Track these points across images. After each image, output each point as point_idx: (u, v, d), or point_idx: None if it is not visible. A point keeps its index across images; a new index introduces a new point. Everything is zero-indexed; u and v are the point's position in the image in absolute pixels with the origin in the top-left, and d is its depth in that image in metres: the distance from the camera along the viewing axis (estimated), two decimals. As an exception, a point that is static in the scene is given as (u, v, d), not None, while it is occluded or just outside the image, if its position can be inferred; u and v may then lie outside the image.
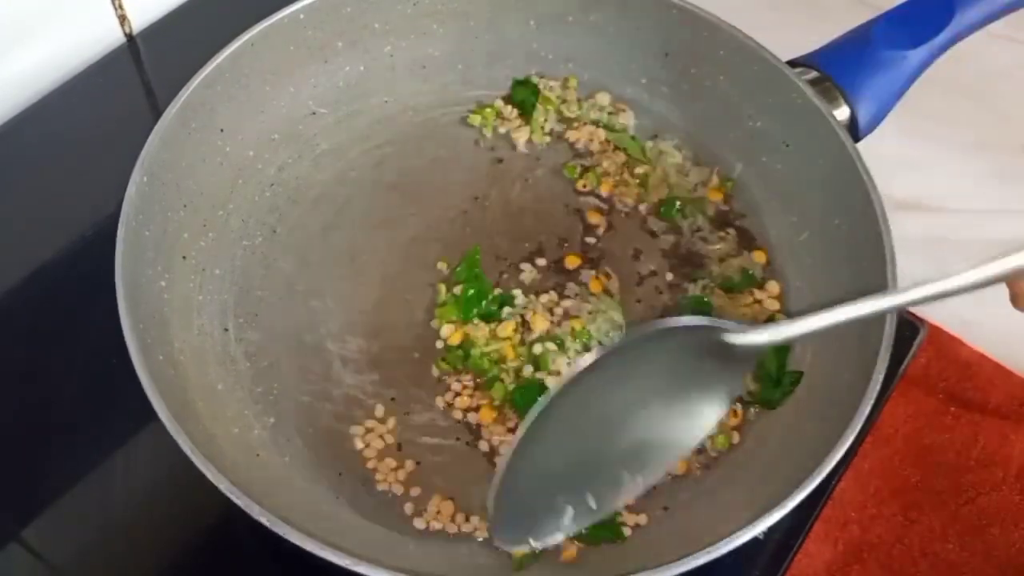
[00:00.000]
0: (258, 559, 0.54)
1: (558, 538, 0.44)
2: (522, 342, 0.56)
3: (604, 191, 0.63)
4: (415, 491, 0.52)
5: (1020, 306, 0.43)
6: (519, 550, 0.48)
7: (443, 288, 0.58)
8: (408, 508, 0.52)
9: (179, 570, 0.53)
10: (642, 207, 0.62)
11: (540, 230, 0.62)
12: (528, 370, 0.55)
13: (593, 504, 0.44)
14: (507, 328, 0.56)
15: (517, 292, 0.58)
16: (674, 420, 0.43)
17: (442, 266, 0.60)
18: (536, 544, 0.44)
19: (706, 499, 0.52)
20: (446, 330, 0.57)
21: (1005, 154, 0.73)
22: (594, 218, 0.62)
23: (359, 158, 0.64)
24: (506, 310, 0.57)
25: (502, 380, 0.55)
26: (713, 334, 0.41)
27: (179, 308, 0.55)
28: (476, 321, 0.57)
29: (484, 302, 0.57)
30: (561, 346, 0.56)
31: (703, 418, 0.43)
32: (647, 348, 0.42)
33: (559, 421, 0.41)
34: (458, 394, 0.55)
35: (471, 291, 0.57)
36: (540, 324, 0.57)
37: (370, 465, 0.53)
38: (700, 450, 0.53)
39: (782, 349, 0.56)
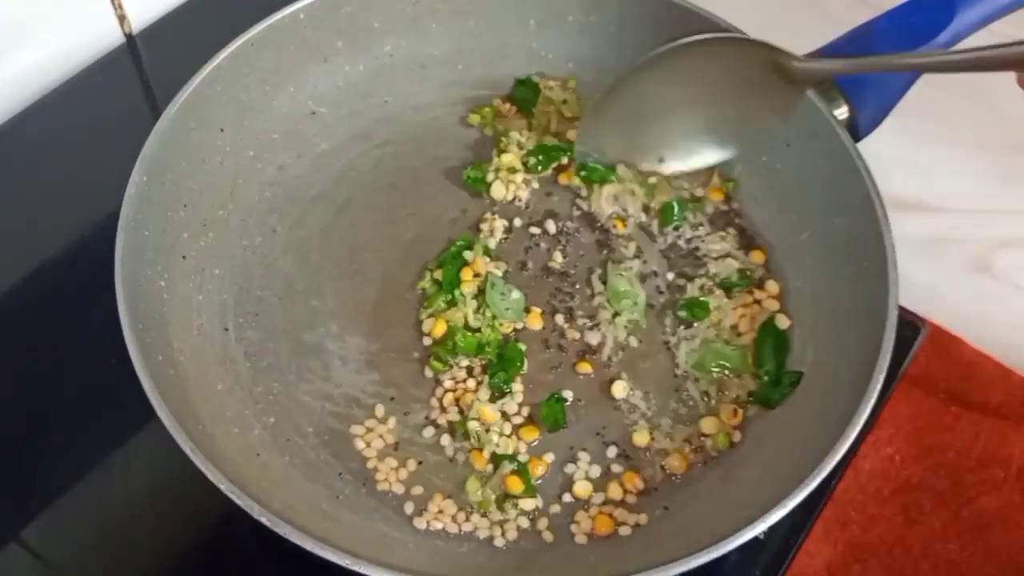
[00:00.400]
0: (258, 559, 0.54)
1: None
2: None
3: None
4: (415, 491, 0.52)
5: None
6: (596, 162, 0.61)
7: (427, 275, 0.59)
8: (408, 508, 0.52)
9: (179, 570, 0.53)
10: (643, 215, 0.62)
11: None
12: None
13: (662, 159, 0.59)
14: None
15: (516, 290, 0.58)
16: (730, 114, 0.55)
17: (442, 266, 0.60)
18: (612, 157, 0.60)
19: (706, 499, 0.52)
20: (428, 324, 0.57)
21: (1005, 154, 0.73)
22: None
23: (359, 158, 0.64)
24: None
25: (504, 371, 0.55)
26: (777, 53, 0.50)
27: (179, 308, 0.55)
28: (459, 304, 0.57)
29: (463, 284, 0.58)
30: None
31: (756, 120, 0.55)
32: (720, 48, 0.53)
33: (641, 86, 0.55)
34: (453, 391, 0.55)
35: (452, 270, 0.58)
36: (536, 322, 0.57)
37: (370, 465, 0.53)
38: (699, 448, 0.53)
39: (781, 348, 0.56)
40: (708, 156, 0.59)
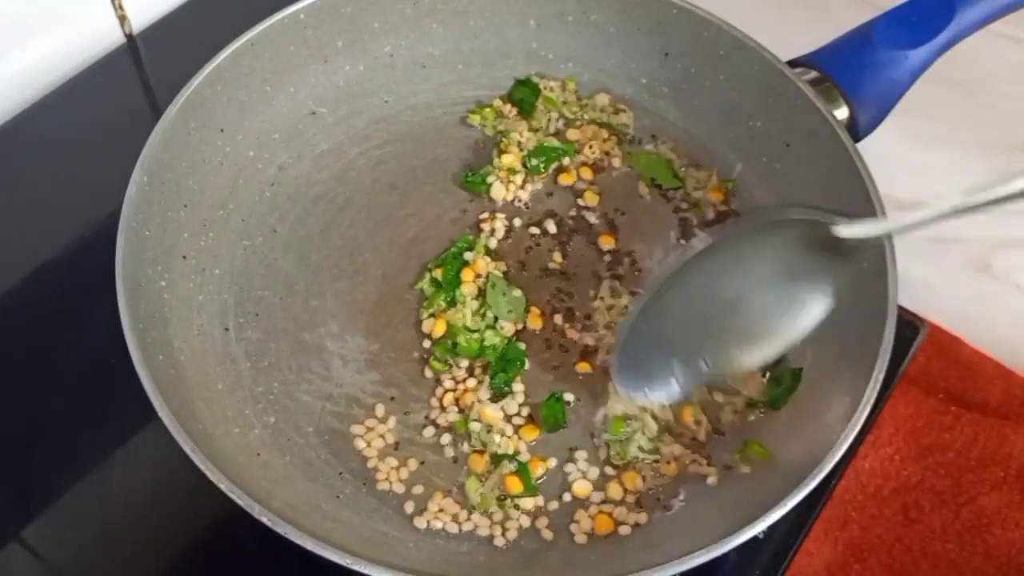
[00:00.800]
0: (258, 559, 0.54)
1: (671, 393, 0.51)
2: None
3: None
4: (416, 490, 0.52)
5: None
6: (635, 398, 0.53)
7: (427, 276, 0.59)
8: (409, 507, 0.52)
9: (180, 570, 0.53)
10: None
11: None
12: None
13: (704, 367, 0.50)
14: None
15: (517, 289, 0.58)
16: (781, 308, 0.48)
17: (442, 266, 0.60)
18: (651, 396, 0.51)
19: (705, 499, 0.52)
20: (428, 327, 0.57)
21: (1005, 154, 0.73)
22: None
23: (359, 158, 0.64)
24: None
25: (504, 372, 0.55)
26: (821, 227, 0.44)
27: (179, 308, 0.55)
28: (459, 304, 0.57)
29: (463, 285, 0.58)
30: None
31: (809, 310, 0.47)
32: (759, 237, 0.46)
33: (677, 295, 0.47)
34: (453, 391, 0.55)
35: (452, 270, 0.58)
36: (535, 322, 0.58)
37: (371, 464, 0.53)
38: (709, 453, 0.53)
39: None
40: (753, 358, 0.51)
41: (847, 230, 0.44)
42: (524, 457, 0.53)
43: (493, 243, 0.60)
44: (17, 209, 0.65)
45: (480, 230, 0.61)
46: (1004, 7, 0.55)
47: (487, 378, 0.55)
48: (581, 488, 0.52)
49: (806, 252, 0.45)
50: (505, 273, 0.59)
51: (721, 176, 0.63)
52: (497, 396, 0.55)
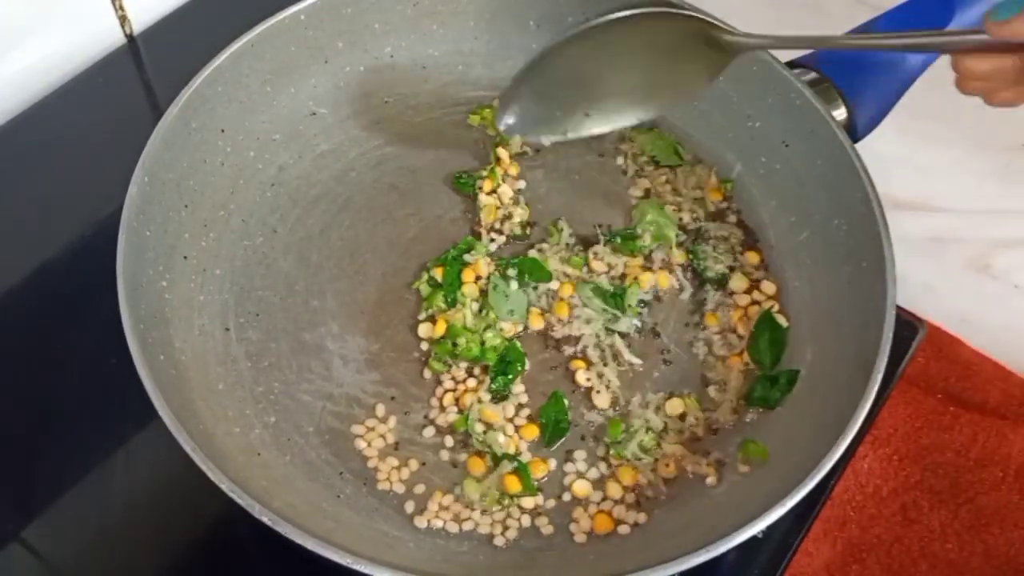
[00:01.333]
0: (259, 558, 0.54)
1: (552, 138, 0.62)
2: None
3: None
4: (416, 490, 0.52)
5: (964, 88, 0.48)
6: (519, 137, 0.63)
7: (424, 277, 0.59)
8: (409, 507, 0.52)
9: (180, 570, 0.53)
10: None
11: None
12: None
13: (585, 117, 0.60)
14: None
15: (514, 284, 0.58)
16: (658, 77, 0.57)
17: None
18: (538, 136, 0.62)
19: (705, 498, 0.52)
20: (424, 329, 0.57)
21: (1005, 154, 0.73)
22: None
23: (359, 158, 0.64)
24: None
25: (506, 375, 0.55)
26: (709, 28, 0.54)
27: (180, 308, 0.55)
28: (460, 305, 0.57)
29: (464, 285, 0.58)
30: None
31: (681, 87, 0.58)
32: (647, 24, 0.55)
33: (573, 54, 0.57)
34: (453, 391, 0.55)
35: (453, 271, 0.58)
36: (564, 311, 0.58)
37: (371, 464, 0.53)
38: (708, 452, 0.54)
39: (777, 343, 0.56)
40: (631, 116, 0.61)
41: (732, 36, 0.53)
42: (525, 457, 0.53)
43: (493, 247, 0.60)
44: (17, 209, 0.65)
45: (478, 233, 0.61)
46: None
47: (487, 379, 0.55)
48: (580, 488, 0.52)
49: (691, 40, 0.54)
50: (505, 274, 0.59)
51: (720, 176, 0.63)
52: (497, 398, 0.55)
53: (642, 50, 0.56)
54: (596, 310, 0.57)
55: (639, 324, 0.58)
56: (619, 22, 0.55)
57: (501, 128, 0.62)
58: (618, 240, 0.60)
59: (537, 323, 0.58)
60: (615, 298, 0.58)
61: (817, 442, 0.46)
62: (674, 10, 0.55)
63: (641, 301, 0.58)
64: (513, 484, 0.52)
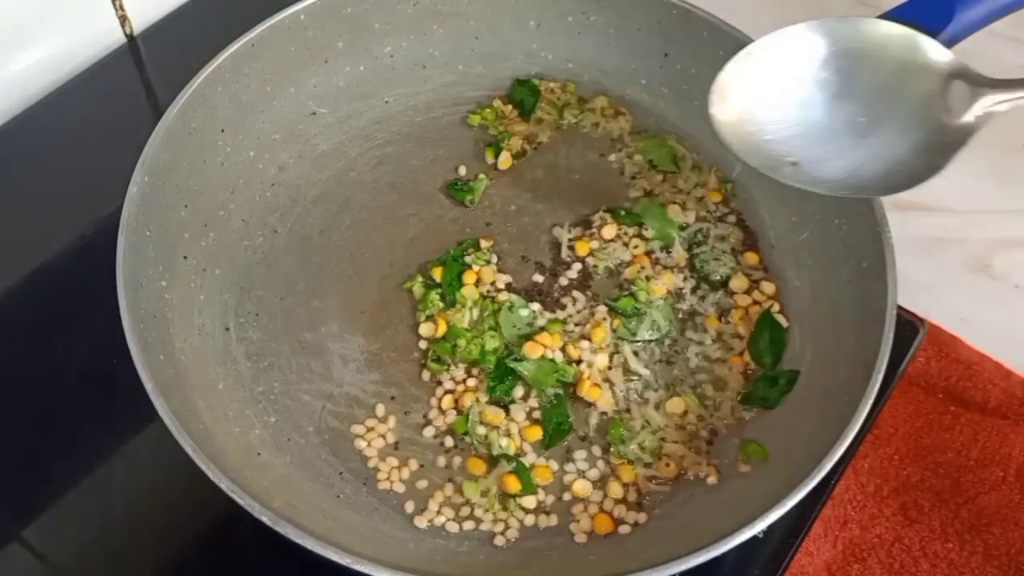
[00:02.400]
0: (259, 558, 0.54)
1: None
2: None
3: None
4: (416, 490, 0.52)
5: None
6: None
7: (417, 278, 0.59)
8: (409, 507, 0.52)
9: (180, 570, 0.53)
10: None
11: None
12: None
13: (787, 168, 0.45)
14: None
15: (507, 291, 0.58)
16: (893, 146, 0.42)
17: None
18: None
19: (706, 499, 0.52)
20: (426, 328, 0.57)
21: (1005, 154, 0.73)
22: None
23: (359, 158, 0.64)
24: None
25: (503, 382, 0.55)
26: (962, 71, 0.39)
27: (180, 308, 0.55)
28: (459, 306, 0.57)
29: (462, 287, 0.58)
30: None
31: (920, 157, 0.42)
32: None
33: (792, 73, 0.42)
34: (452, 392, 0.55)
35: (452, 272, 0.58)
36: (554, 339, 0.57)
37: (371, 464, 0.53)
38: (708, 452, 0.54)
39: (777, 342, 0.56)
40: (847, 180, 0.45)
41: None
42: (530, 459, 0.53)
43: (495, 258, 0.60)
44: (17, 209, 0.65)
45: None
46: (1004, 7, 0.55)
47: (486, 379, 0.55)
48: (581, 487, 0.52)
49: (944, 93, 0.39)
50: (508, 284, 0.59)
51: (720, 176, 0.63)
52: (497, 402, 0.55)
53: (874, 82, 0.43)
54: (625, 338, 0.57)
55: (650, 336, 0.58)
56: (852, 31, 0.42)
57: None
58: (622, 214, 0.61)
59: (556, 341, 0.57)
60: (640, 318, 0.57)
61: (817, 442, 0.46)
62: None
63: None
64: (512, 484, 0.52)
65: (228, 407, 0.53)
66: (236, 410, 0.53)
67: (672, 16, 0.62)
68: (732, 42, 0.60)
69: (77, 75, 0.72)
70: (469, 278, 0.58)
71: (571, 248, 0.60)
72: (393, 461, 0.53)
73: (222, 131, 0.60)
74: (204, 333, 0.56)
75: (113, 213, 0.52)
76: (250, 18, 0.60)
